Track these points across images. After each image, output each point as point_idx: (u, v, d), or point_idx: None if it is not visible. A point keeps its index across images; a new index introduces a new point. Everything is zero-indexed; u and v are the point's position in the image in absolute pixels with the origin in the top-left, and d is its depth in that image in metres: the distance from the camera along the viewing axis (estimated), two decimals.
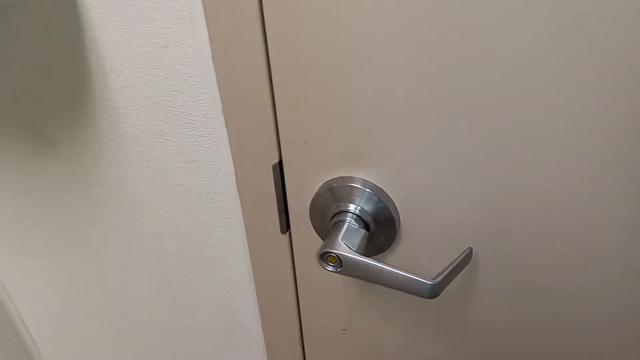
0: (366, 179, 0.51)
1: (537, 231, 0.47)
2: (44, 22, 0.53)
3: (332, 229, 0.50)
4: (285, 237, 0.58)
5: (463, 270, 0.51)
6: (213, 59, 0.49)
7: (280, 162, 0.52)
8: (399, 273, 0.45)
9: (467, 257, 0.48)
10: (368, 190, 0.51)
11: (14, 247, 0.76)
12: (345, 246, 0.47)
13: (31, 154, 0.65)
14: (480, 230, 0.49)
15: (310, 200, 0.53)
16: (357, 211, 0.51)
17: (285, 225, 0.57)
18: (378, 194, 0.51)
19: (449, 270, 0.45)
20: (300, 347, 0.68)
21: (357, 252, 0.48)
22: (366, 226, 0.51)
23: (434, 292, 0.44)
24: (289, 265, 0.60)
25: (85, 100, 0.58)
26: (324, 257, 0.48)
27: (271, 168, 0.52)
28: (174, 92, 0.54)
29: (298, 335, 0.67)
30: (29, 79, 0.59)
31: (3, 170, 0.68)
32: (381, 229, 0.52)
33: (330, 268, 0.48)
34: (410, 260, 0.53)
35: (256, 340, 0.72)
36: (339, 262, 0.47)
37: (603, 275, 0.47)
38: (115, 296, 0.76)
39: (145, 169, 0.61)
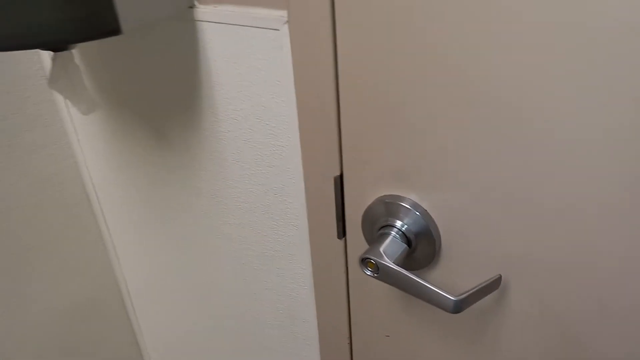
0: (416, 201, 0.57)
1: (574, 275, 0.49)
2: (167, 42, 0.67)
3: (377, 239, 0.56)
4: (341, 242, 0.65)
5: (494, 296, 0.54)
6: (295, 83, 0.58)
7: (341, 175, 0.60)
8: (427, 286, 0.51)
9: (495, 283, 0.52)
10: (415, 211, 0.56)
11: (128, 219, 0.92)
12: (384, 255, 0.54)
13: (150, 146, 0.79)
14: (516, 262, 0.52)
15: (364, 210, 0.60)
16: (402, 228, 0.57)
17: (342, 231, 0.64)
18: (424, 217, 0.56)
19: (473, 290, 0.49)
20: (348, 347, 0.74)
21: (395, 263, 0.54)
22: (408, 242, 0.57)
23: (456, 307, 0.49)
24: (343, 268, 0.67)
25: (194, 106, 0.70)
26: (364, 262, 0.54)
27: (333, 179, 0.60)
28: (262, 107, 0.64)
29: (347, 335, 0.73)
30: (153, 86, 0.72)
31: (130, 158, 0.83)
32: (422, 248, 0.57)
33: (368, 272, 0.54)
34: (446, 281, 0.58)
35: (313, 334, 0.80)
36: (377, 269, 0.54)
37: None
38: (199, 274, 0.88)
39: (236, 168, 0.72)
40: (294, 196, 0.68)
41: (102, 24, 0.52)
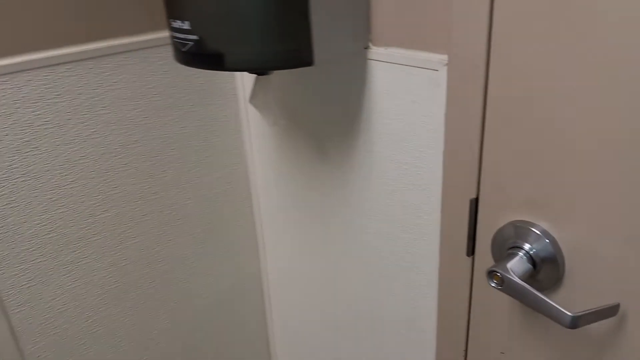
0: (546, 229, 0.64)
1: None
2: (342, 73, 0.81)
3: (505, 257, 0.64)
4: (469, 259, 0.73)
5: (612, 323, 0.59)
6: (445, 114, 0.69)
7: (477, 198, 0.69)
8: (547, 301, 0.57)
9: (613, 309, 0.56)
10: (545, 239, 0.63)
11: (280, 219, 1.07)
12: (510, 271, 0.61)
13: (310, 159, 0.94)
14: (637, 295, 0.57)
15: (494, 232, 0.68)
16: (530, 251, 0.64)
17: (471, 249, 0.72)
18: (552, 244, 0.63)
19: (590, 311, 0.55)
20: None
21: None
22: (533, 264, 0.63)
23: (573, 322, 0.55)
24: (468, 284, 0.75)
25: (354, 128, 0.83)
26: (491, 274, 0.62)
27: (469, 201, 0.69)
28: (413, 134, 0.75)
29: (463, 348, 0.80)
30: (323, 108, 0.87)
31: (292, 166, 0.99)
32: (545, 272, 0.63)
33: (493, 284, 0.62)
34: (566, 305, 0.63)
35: (430, 344, 0.87)
36: (502, 281, 0.61)
37: None
38: (334, 275, 1.01)
39: (381, 184, 0.84)
40: (429, 213, 0.78)
41: (301, 57, 0.67)
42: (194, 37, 0.66)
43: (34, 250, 0.85)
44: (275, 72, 0.79)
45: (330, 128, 0.88)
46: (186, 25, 0.66)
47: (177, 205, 0.99)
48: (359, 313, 0.99)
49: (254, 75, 0.78)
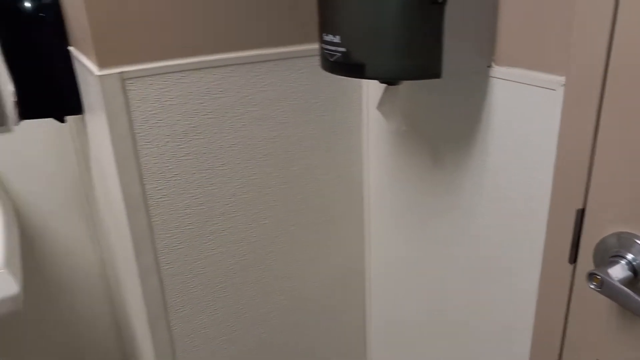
0: None
1: None
2: (463, 88, 0.90)
3: (607, 263, 0.69)
4: (571, 266, 0.78)
5: None
6: (560, 131, 0.75)
7: (583, 209, 0.74)
8: None
9: None
10: None
11: (388, 217, 1.17)
12: (610, 274, 0.66)
13: (426, 165, 1.04)
14: None
15: (598, 241, 0.73)
16: (633, 261, 0.69)
17: (574, 257, 0.77)
18: None
19: None
20: None
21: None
22: (635, 273, 0.68)
23: None
24: (567, 290, 0.80)
25: (470, 139, 0.92)
26: (591, 276, 0.68)
27: (575, 212, 0.75)
28: (527, 148, 0.82)
29: (558, 352, 0.84)
30: (442, 119, 0.97)
31: (407, 170, 1.09)
32: None
33: (592, 286, 0.67)
34: None
35: (524, 348, 0.92)
36: (601, 284, 0.66)
37: None
38: (436, 274, 1.08)
39: (492, 191, 0.91)
40: (535, 221, 0.84)
41: (430, 70, 0.78)
42: (342, 49, 0.79)
43: (185, 218, 1.03)
44: (404, 82, 0.90)
45: (447, 137, 0.97)
46: (336, 39, 0.79)
47: (301, 196, 1.13)
48: (459, 315, 1.06)
49: (382, 86, 0.90)
